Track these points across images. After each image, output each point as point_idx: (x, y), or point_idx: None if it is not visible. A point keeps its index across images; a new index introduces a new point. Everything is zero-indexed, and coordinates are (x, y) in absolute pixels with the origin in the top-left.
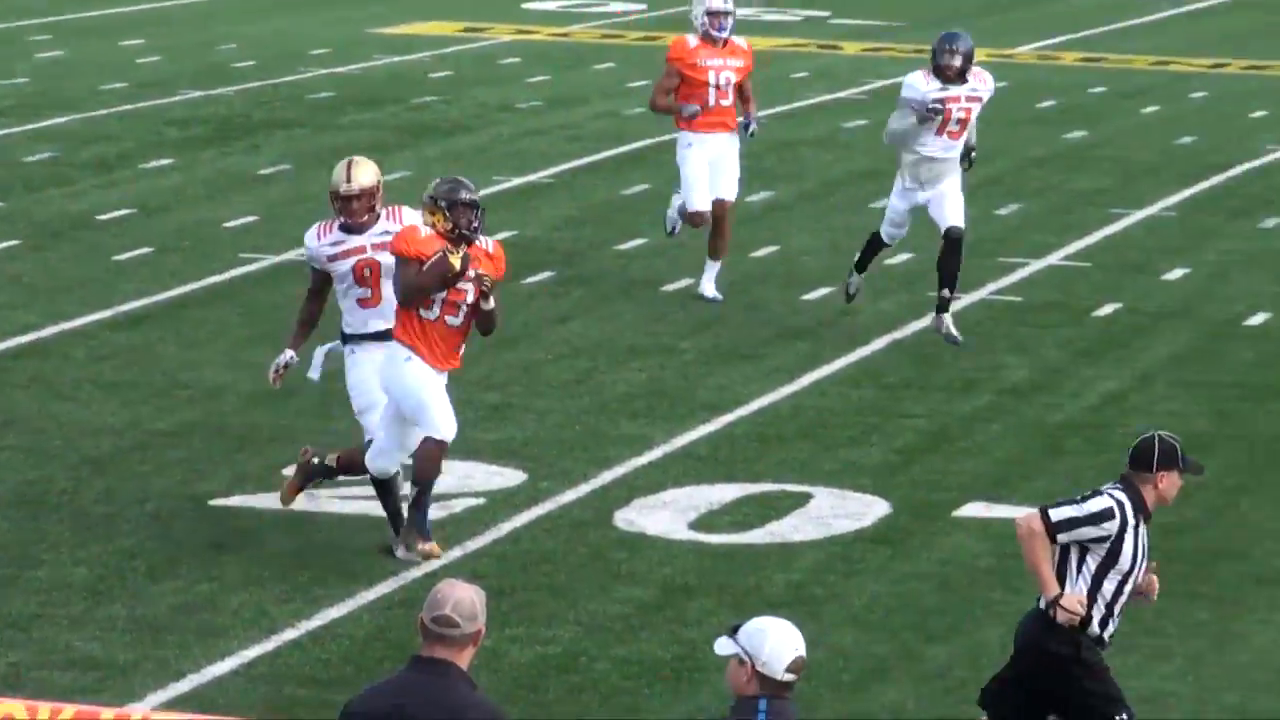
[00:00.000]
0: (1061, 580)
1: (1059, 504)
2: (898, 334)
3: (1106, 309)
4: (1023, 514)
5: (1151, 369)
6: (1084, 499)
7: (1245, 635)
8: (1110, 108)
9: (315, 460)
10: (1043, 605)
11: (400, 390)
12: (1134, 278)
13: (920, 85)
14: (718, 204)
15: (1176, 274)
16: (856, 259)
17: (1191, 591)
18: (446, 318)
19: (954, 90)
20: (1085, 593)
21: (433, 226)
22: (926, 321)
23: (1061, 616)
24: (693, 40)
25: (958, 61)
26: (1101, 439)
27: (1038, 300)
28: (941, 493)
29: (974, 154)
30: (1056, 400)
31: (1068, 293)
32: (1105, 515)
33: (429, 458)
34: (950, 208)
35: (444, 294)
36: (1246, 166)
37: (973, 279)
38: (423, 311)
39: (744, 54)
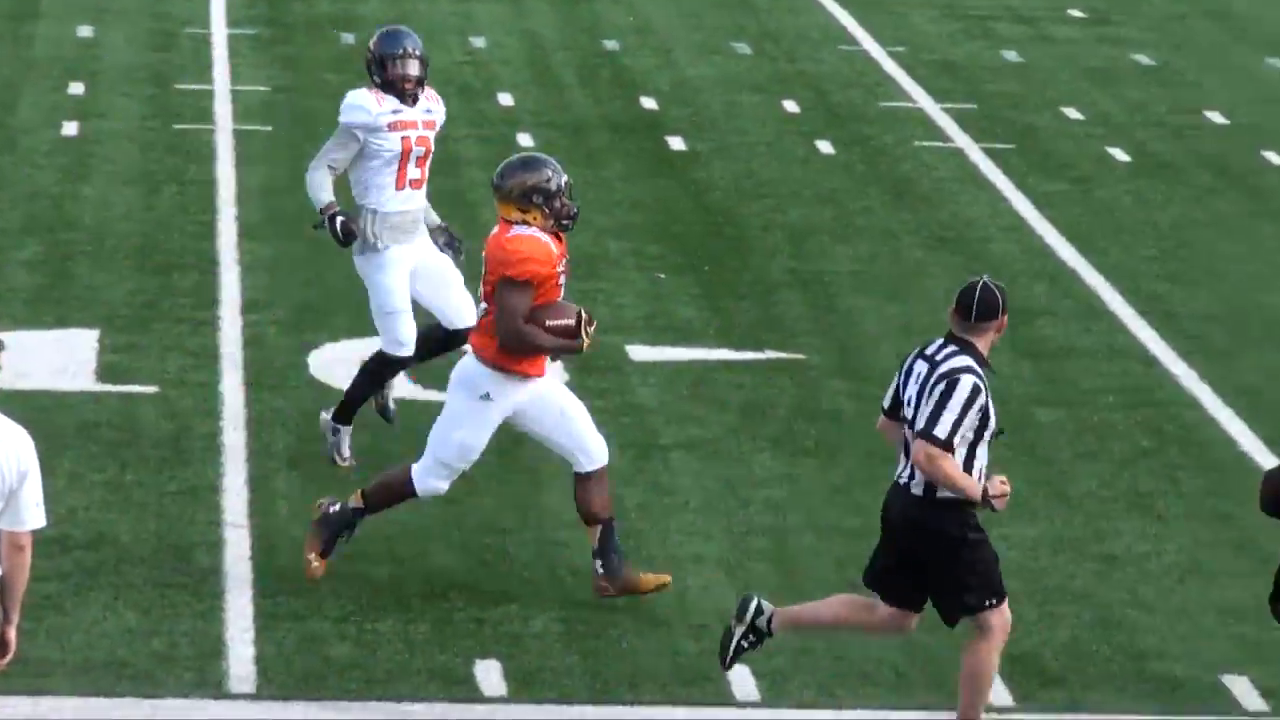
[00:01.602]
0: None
1: (931, 417)
2: None
3: None
4: (913, 449)
5: None
6: (944, 393)
7: None
8: None
9: (333, 509)
10: (940, 496)
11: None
12: None
13: (372, 106)
14: None
15: None
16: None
17: None
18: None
19: (409, 114)
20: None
21: (526, 223)
22: None
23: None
24: None
25: (415, 69)
26: None
27: None
28: None
29: (461, 245)
30: None
31: None
32: (976, 393)
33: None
34: (457, 295)
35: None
36: None
37: None
38: None
39: None
